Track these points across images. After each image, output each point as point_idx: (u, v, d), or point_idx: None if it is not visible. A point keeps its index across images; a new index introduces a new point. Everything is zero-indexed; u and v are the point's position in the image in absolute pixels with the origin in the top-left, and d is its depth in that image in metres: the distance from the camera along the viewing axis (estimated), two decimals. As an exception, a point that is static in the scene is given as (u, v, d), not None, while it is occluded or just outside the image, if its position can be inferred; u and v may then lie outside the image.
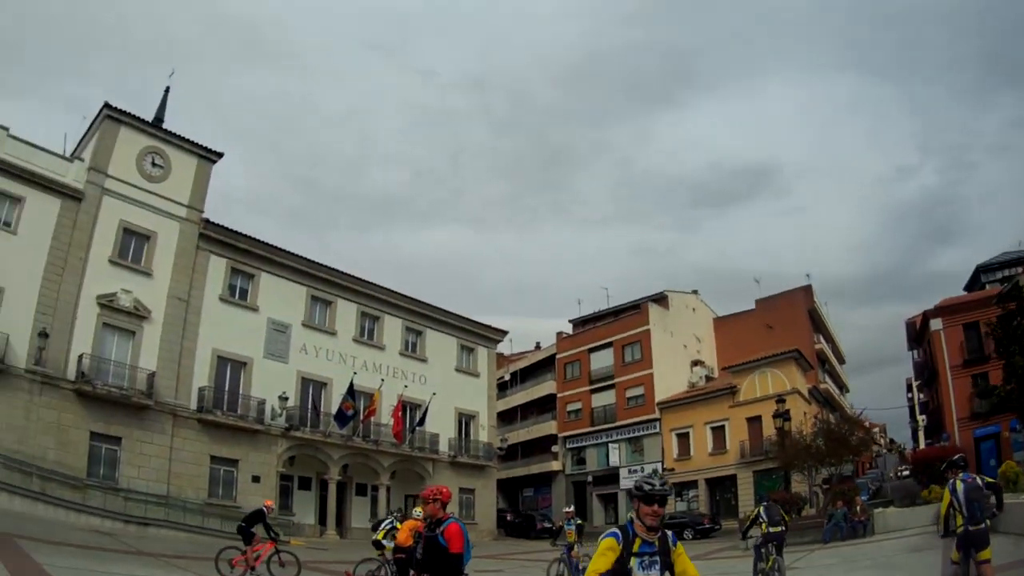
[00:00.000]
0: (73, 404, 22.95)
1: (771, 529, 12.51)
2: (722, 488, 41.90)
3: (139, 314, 25.42)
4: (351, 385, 29.62)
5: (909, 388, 49.53)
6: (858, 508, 23.26)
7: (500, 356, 47.50)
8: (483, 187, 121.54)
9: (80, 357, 23.21)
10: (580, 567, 14.42)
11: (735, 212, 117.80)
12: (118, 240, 25.63)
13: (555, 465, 49.80)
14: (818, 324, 51.74)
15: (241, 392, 27.98)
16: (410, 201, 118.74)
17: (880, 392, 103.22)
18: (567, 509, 16.90)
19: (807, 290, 51.33)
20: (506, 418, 51.41)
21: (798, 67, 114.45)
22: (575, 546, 15.45)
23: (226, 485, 26.81)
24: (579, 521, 16.48)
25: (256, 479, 27.41)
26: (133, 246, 26.18)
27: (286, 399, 28.78)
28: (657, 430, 44.95)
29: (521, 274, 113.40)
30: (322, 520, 30.32)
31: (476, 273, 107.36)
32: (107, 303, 24.57)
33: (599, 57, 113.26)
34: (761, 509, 12.92)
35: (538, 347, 58.85)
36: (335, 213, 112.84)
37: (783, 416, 29.04)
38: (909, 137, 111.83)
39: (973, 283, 42.88)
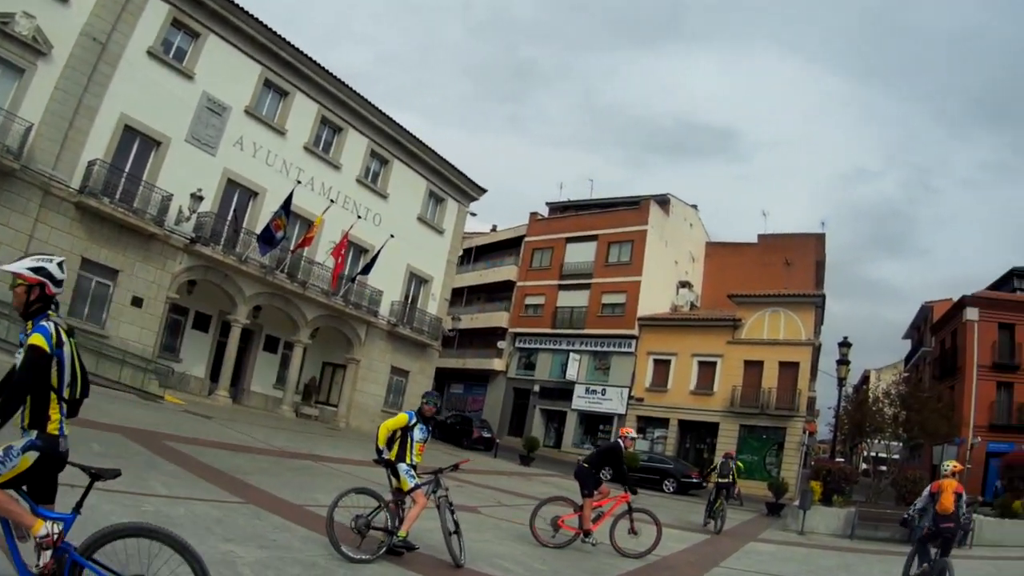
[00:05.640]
0: None
1: (719, 480, 15.45)
2: (697, 436, 35.88)
3: (36, 48, 18.00)
4: (289, 197, 22.83)
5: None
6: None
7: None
8: (448, 83, 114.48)
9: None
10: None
11: (688, 165, 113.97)
12: (28, -45, 17.85)
13: (497, 364, 43.35)
14: (820, 281, 44.79)
15: (145, 179, 20.80)
16: (374, 82, 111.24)
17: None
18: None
19: (820, 239, 44.27)
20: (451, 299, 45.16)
21: (793, 49, 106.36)
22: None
23: (95, 304, 19.89)
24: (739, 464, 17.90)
25: (138, 302, 20.67)
26: (48, -34, 18.45)
27: (201, 199, 21.83)
28: (632, 349, 38.33)
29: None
30: (214, 375, 24.25)
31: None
32: (-3, 26, 17.11)
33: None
34: (719, 462, 16.16)
35: (494, 229, 50.90)
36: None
37: (846, 363, 20.87)
38: (878, 144, 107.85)
39: (1001, 285, 37.51)
